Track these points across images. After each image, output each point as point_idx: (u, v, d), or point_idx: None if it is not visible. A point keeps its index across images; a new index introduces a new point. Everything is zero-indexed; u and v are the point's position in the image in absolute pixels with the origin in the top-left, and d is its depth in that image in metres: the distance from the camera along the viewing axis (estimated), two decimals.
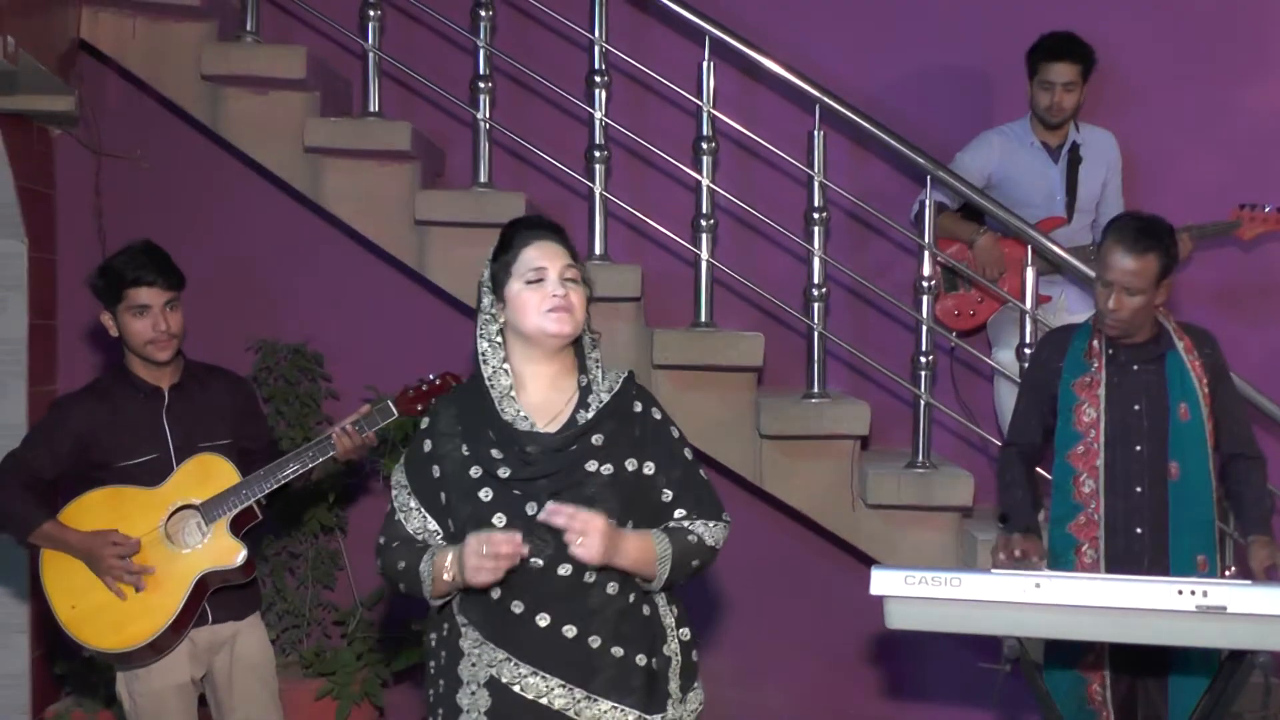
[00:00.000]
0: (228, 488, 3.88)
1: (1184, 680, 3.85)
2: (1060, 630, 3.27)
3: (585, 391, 3.03)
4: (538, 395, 3.02)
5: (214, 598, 3.92)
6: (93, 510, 3.88)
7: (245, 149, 5.12)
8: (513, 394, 2.99)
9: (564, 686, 2.90)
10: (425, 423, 3.09)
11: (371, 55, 5.07)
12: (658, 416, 3.09)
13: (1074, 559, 3.91)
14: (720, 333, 4.96)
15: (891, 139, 4.93)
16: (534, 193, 5.23)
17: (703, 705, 3.13)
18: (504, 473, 2.93)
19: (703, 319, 4.97)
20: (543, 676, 2.90)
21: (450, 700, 2.97)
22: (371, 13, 5.05)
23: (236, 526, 3.89)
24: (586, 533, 2.84)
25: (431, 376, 4.04)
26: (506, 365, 3.02)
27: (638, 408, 3.07)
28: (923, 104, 5.50)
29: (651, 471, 3.03)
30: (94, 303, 4.00)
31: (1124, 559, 3.87)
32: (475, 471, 2.96)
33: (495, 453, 2.95)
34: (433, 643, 3.07)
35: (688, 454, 3.11)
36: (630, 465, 3.00)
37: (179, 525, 3.88)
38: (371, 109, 5.07)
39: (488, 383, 3.00)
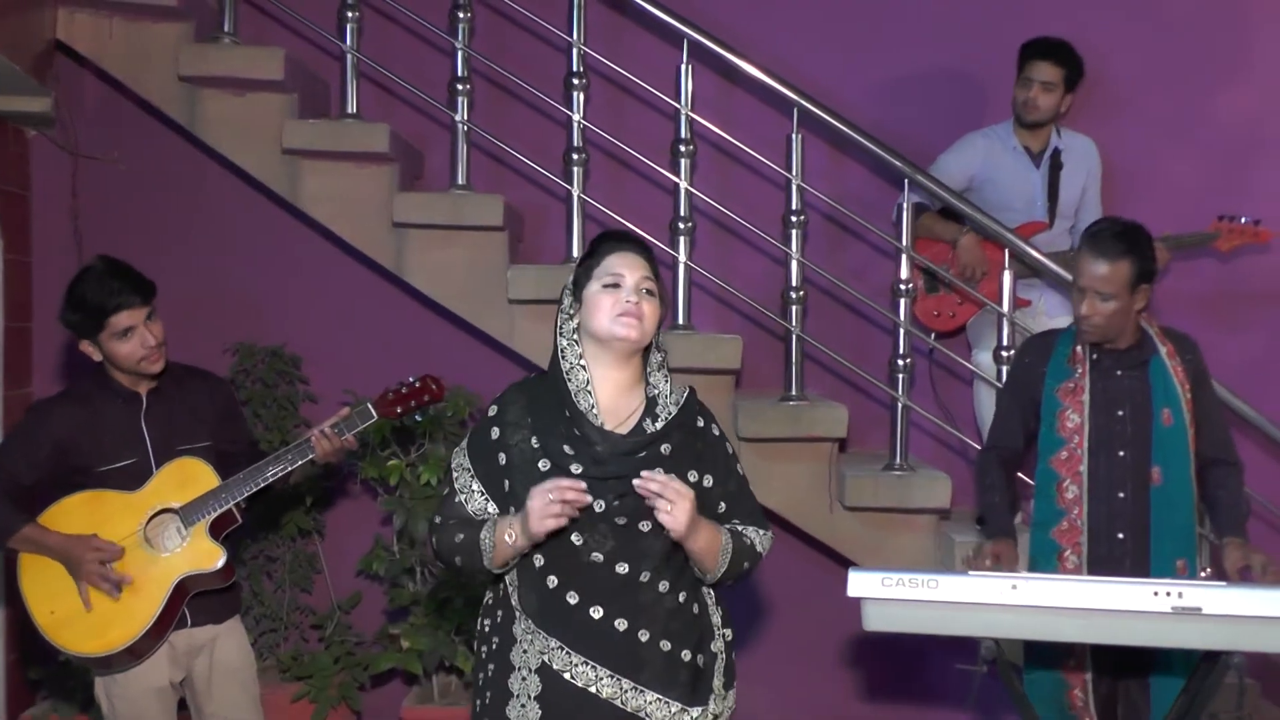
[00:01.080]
0: (207, 491, 3.86)
1: (1166, 681, 3.86)
2: (1037, 631, 3.28)
3: (652, 402, 3.14)
4: (607, 398, 3.11)
5: (193, 601, 3.90)
6: (72, 514, 3.85)
7: (223, 150, 5.10)
8: (589, 389, 3.08)
9: (612, 677, 3.02)
10: (493, 410, 3.16)
11: (350, 57, 5.07)
12: (716, 433, 3.22)
13: (1056, 564, 3.92)
14: (698, 335, 4.96)
15: (870, 142, 4.94)
16: (512, 195, 5.22)
17: (734, 707, 3.24)
18: (576, 469, 3.02)
19: (681, 321, 4.97)
20: (593, 666, 3.02)
21: (501, 684, 3.08)
22: (350, 14, 5.04)
23: (216, 530, 3.87)
24: (676, 502, 2.95)
25: (411, 379, 4.03)
26: (584, 362, 3.10)
27: (700, 423, 3.19)
28: (901, 108, 5.51)
29: (709, 485, 3.15)
30: None
31: (1106, 564, 3.89)
32: (544, 464, 3.05)
33: (567, 448, 3.05)
34: (486, 629, 3.17)
35: (740, 469, 3.26)
36: (691, 477, 3.10)
37: (158, 529, 3.86)
38: (349, 111, 5.07)
39: (565, 377, 3.09)
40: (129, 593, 3.81)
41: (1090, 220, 5.12)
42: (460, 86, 5.02)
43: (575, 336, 3.12)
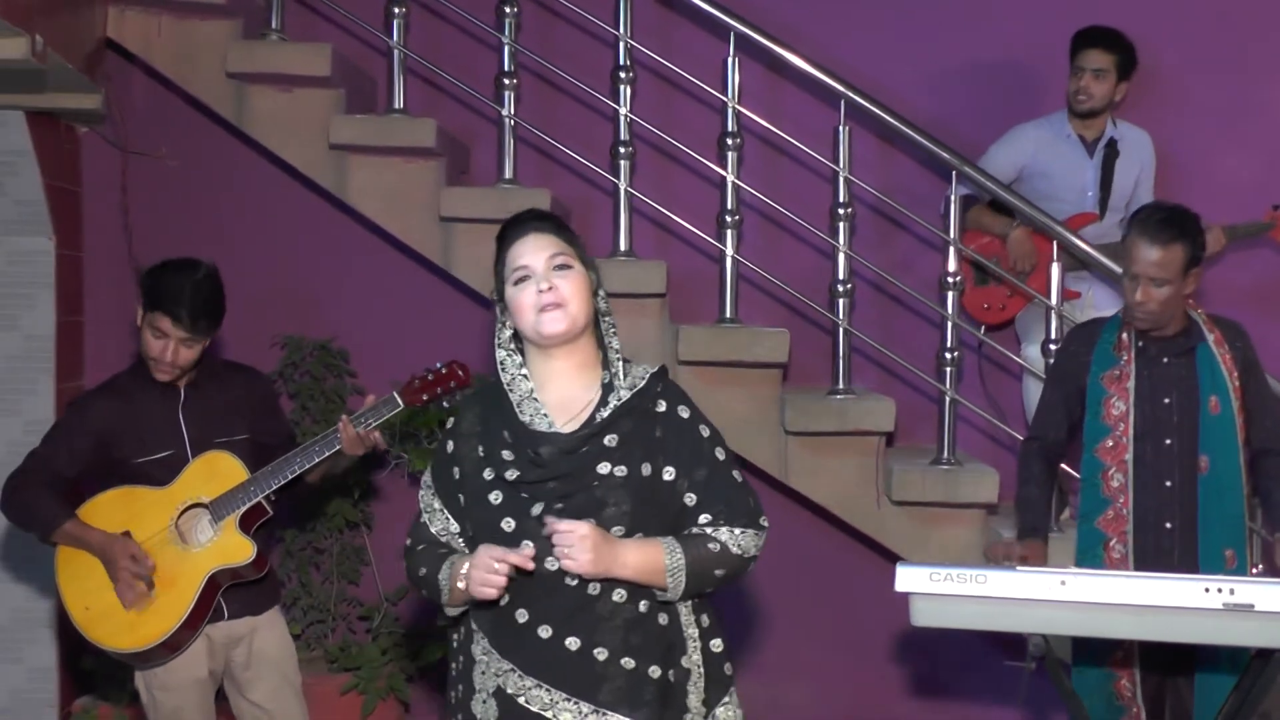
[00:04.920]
0: (236, 485, 3.88)
1: (1211, 678, 3.82)
2: (1086, 628, 3.25)
3: (607, 389, 2.89)
4: (558, 393, 2.89)
5: (229, 594, 3.93)
6: (105, 510, 3.90)
7: (270, 146, 5.13)
8: (534, 396, 2.88)
9: (568, 700, 2.78)
10: (450, 423, 2.98)
11: (396, 52, 5.08)
12: (684, 415, 2.92)
13: (1102, 554, 3.89)
14: (745, 329, 4.95)
15: (917, 134, 4.91)
16: (559, 189, 5.23)
17: None
18: (511, 475, 2.83)
19: (728, 315, 4.96)
20: (546, 689, 2.79)
21: (466, 706, 2.90)
22: (396, 10, 5.06)
23: (247, 523, 3.89)
24: (572, 543, 2.72)
25: (439, 365, 4.00)
26: (524, 370, 2.91)
27: (661, 406, 2.90)
28: (949, 99, 5.48)
29: (671, 476, 2.87)
30: (121, 299, 4.02)
31: (1153, 554, 3.85)
32: (488, 474, 2.86)
33: (506, 454, 2.85)
34: (454, 645, 2.99)
35: (719, 454, 2.93)
36: (646, 469, 2.85)
37: (190, 523, 3.90)
38: (396, 106, 5.08)
39: (507, 388, 2.90)
40: (161, 588, 3.85)
41: None
42: (507, 81, 5.03)
43: (513, 345, 2.91)
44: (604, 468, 2.83)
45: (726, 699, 2.96)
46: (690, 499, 2.89)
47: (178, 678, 3.93)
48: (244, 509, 3.87)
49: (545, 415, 2.87)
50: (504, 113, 5.03)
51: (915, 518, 4.86)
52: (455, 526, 2.94)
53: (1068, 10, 5.32)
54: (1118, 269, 4.68)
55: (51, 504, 3.89)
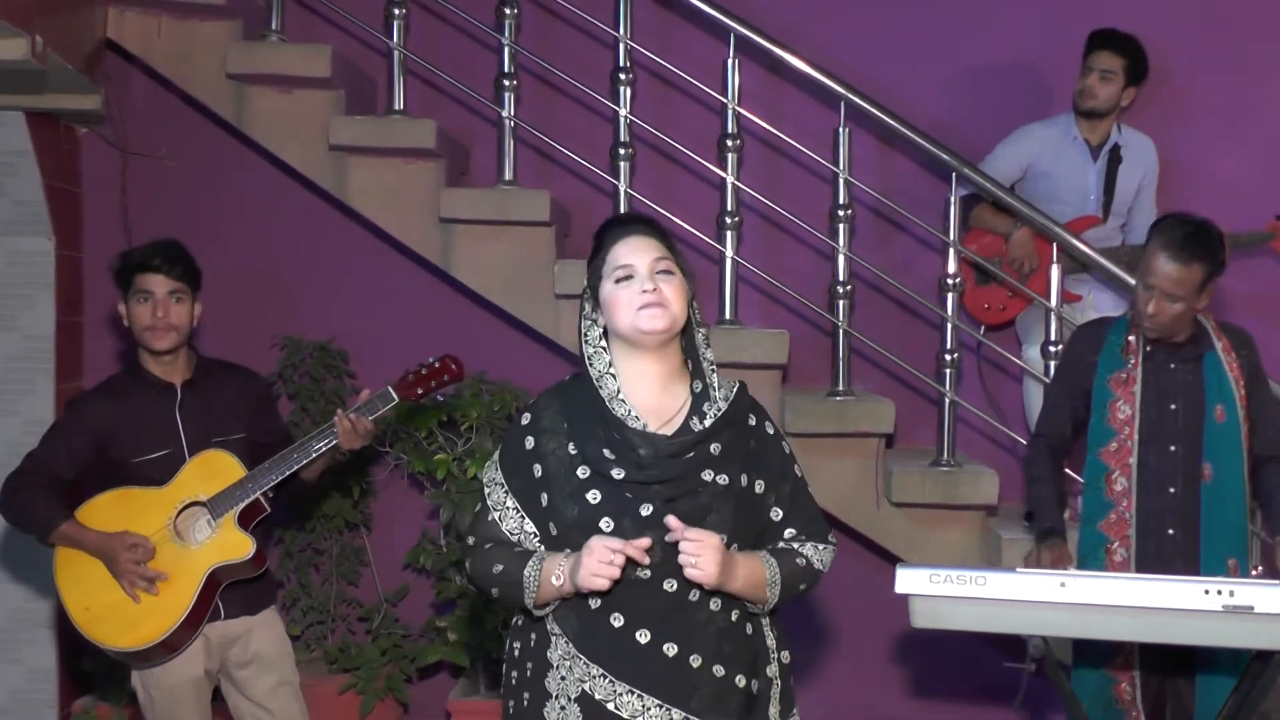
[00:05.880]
0: (234, 482, 3.89)
1: (1211, 679, 3.82)
2: (1086, 630, 3.26)
3: (700, 398, 2.86)
4: (647, 398, 2.85)
5: (226, 594, 3.93)
6: (103, 511, 3.90)
7: (270, 147, 5.13)
8: (621, 396, 2.83)
9: (660, 706, 2.75)
10: (526, 419, 2.90)
11: (396, 53, 5.08)
12: (770, 431, 2.95)
13: (1104, 557, 3.88)
14: (745, 330, 4.95)
15: (917, 136, 4.91)
16: (559, 190, 5.23)
17: None
18: (618, 474, 2.77)
19: (727, 316, 4.96)
20: (639, 695, 2.76)
21: (536, 713, 2.83)
22: (396, 11, 5.06)
23: (245, 520, 3.89)
24: (702, 553, 2.70)
25: (431, 360, 4.02)
26: (613, 370, 2.85)
27: (751, 420, 2.91)
28: (949, 101, 5.48)
29: (761, 490, 2.88)
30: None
31: (1155, 559, 3.84)
32: (583, 472, 2.80)
33: (607, 452, 2.79)
34: (516, 653, 2.91)
35: (798, 471, 2.97)
36: (743, 480, 2.84)
37: (188, 522, 3.90)
38: (396, 107, 5.08)
39: (596, 383, 2.84)
40: (161, 587, 3.85)
41: (1144, 221, 5.08)
42: (507, 82, 5.03)
43: (603, 343, 2.87)
44: (708, 475, 2.81)
45: (795, 711, 2.97)
46: (776, 513, 2.92)
47: (174, 677, 3.93)
48: (242, 505, 3.88)
49: (637, 417, 2.83)
50: (504, 114, 5.03)
51: (915, 519, 4.87)
52: (531, 526, 2.87)
53: (1068, 12, 5.33)
54: (1118, 271, 4.70)
55: (49, 505, 3.89)
